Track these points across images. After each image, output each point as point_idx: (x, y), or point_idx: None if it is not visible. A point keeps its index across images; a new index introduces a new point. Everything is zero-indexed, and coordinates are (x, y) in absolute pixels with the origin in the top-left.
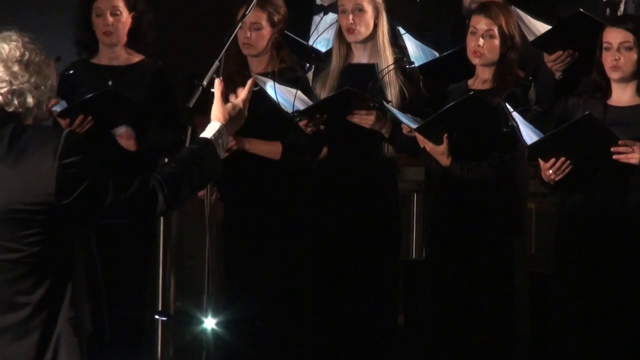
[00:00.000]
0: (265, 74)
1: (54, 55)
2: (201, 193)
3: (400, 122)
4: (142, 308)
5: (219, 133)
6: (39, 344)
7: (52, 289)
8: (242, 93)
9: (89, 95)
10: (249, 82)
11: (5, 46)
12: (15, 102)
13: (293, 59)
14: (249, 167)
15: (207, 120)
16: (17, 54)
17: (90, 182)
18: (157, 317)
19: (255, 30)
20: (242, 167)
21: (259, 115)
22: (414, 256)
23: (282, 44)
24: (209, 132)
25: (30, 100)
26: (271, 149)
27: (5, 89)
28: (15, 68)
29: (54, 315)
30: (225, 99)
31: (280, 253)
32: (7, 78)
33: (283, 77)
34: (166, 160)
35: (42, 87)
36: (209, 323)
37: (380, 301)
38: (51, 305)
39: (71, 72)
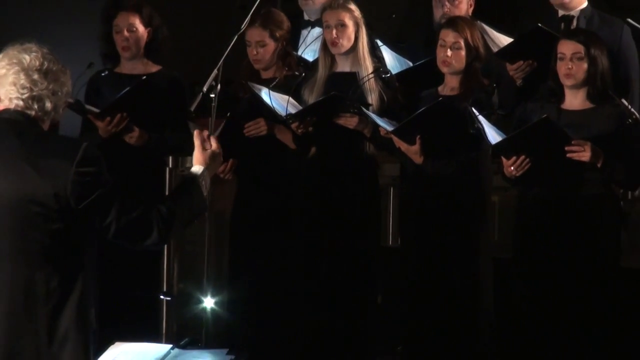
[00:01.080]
0: (272, 80)
1: (87, 61)
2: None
3: (378, 125)
4: (151, 289)
5: (202, 176)
6: (48, 332)
7: (62, 282)
8: (214, 142)
9: (123, 92)
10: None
11: (27, 56)
12: (35, 106)
13: (298, 66)
14: (260, 154)
15: (206, 122)
16: (37, 63)
17: (98, 196)
18: (162, 297)
19: (261, 47)
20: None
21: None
22: (390, 242)
23: (288, 52)
24: (193, 173)
25: (48, 105)
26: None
27: (26, 95)
28: (35, 76)
29: (62, 308)
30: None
31: (277, 238)
32: (28, 85)
33: (288, 82)
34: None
35: (59, 93)
36: (208, 302)
37: (361, 282)
38: (61, 298)
39: (102, 74)
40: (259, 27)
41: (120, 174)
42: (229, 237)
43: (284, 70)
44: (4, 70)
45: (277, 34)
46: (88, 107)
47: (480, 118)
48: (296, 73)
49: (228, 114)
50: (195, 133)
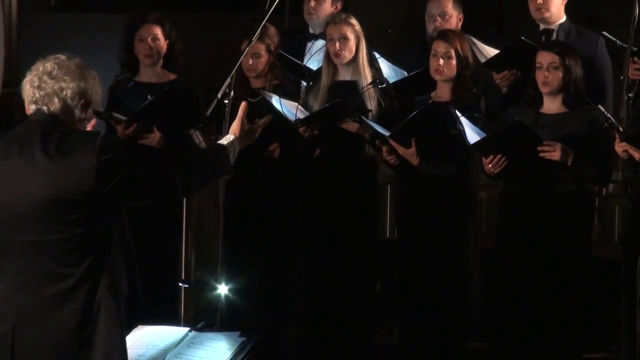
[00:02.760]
0: (262, 89)
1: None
2: None
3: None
4: (170, 277)
5: (232, 143)
6: (83, 308)
7: (93, 262)
8: (261, 122)
9: (147, 102)
10: (264, 119)
11: (46, 64)
12: (46, 101)
13: (285, 77)
14: (257, 155)
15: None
16: (49, 68)
17: (123, 174)
18: (180, 284)
19: (256, 58)
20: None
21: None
22: (387, 235)
23: (276, 64)
24: (224, 140)
25: (56, 100)
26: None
27: (37, 95)
28: (44, 77)
29: (95, 284)
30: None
31: (279, 233)
32: (36, 84)
33: (277, 92)
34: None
35: (66, 91)
36: (222, 290)
37: (361, 270)
38: (93, 276)
39: (129, 85)
40: (256, 40)
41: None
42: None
43: (273, 80)
44: (27, 77)
45: (272, 47)
46: (115, 115)
47: (462, 119)
48: (285, 83)
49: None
50: (243, 104)
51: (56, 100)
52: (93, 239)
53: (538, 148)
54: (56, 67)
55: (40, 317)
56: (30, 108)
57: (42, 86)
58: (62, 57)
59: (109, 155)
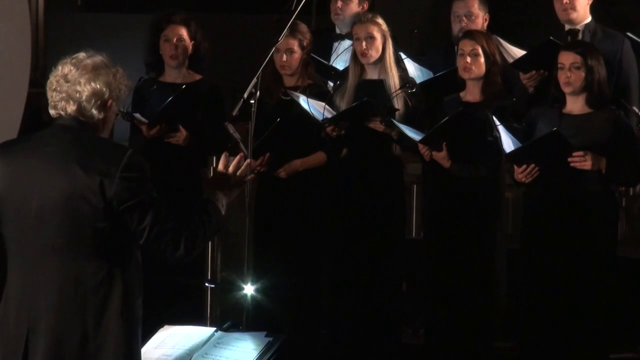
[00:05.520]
0: (295, 88)
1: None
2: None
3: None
4: (197, 277)
5: (215, 197)
6: (91, 321)
7: (107, 276)
8: (232, 166)
9: (166, 102)
10: (237, 159)
11: (66, 66)
12: (61, 105)
13: (318, 76)
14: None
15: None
16: (66, 70)
17: (137, 202)
18: (206, 284)
19: (290, 54)
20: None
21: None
22: (413, 235)
23: (309, 62)
24: (210, 196)
25: (71, 104)
26: (318, 160)
27: (57, 98)
28: (61, 81)
29: (106, 299)
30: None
31: (306, 233)
32: (54, 87)
33: (312, 92)
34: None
35: (80, 94)
36: (249, 290)
37: (388, 270)
38: (105, 291)
39: (151, 88)
40: (289, 36)
41: (164, 174)
42: (255, 229)
43: (306, 79)
44: (50, 80)
45: (304, 43)
46: (137, 117)
47: (500, 127)
48: (318, 83)
49: (278, 120)
50: (222, 156)
51: (71, 103)
52: (107, 251)
53: (569, 159)
54: (73, 69)
55: (54, 323)
56: (51, 112)
57: (58, 89)
58: (81, 56)
59: (132, 174)
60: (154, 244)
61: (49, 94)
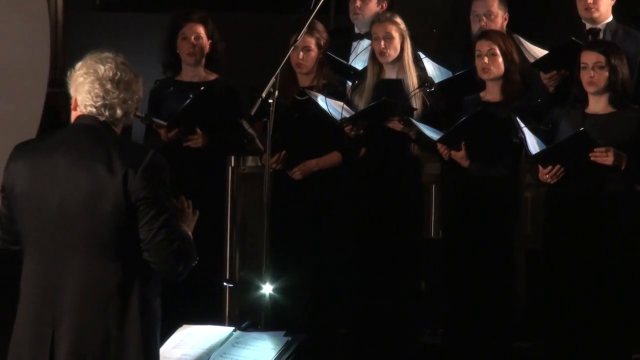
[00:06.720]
0: (311, 88)
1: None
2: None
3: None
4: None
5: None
6: (117, 322)
7: (130, 276)
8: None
9: (184, 105)
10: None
11: (102, 67)
12: (107, 113)
13: (333, 76)
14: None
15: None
16: (111, 73)
17: (155, 200)
18: (225, 284)
19: (306, 52)
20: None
21: (309, 139)
22: (432, 235)
23: (325, 62)
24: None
25: (119, 112)
26: (333, 160)
27: (99, 103)
28: (108, 86)
29: (127, 299)
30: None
31: (324, 232)
32: (101, 94)
33: (327, 92)
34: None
35: (129, 102)
36: (267, 289)
37: (406, 270)
38: (129, 290)
39: (163, 79)
40: (306, 34)
41: (183, 174)
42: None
43: (321, 79)
44: (81, 79)
45: (321, 42)
46: (155, 120)
47: (524, 129)
48: (333, 83)
49: (295, 115)
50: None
51: (119, 110)
52: (128, 251)
53: (590, 154)
54: (119, 72)
55: (77, 323)
56: (83, 110)
57: (104, 96)
58: (119, 59)
59: (153, 174)
60: (157, 248)
61: (88, 97)
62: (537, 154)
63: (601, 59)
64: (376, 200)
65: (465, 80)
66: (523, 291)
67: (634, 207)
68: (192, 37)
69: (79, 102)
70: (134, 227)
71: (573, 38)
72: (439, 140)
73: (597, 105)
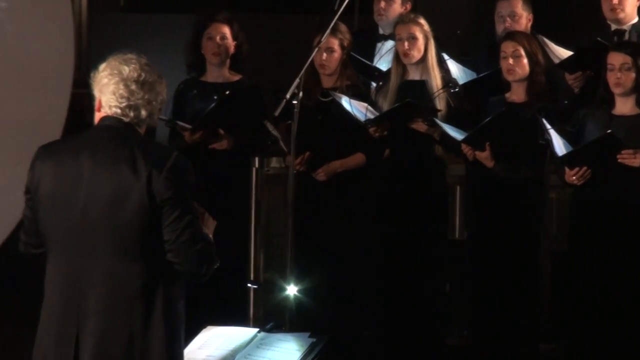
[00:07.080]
0: (334, 89)
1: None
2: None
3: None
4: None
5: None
6: (141, 323)
7: (155, 276)
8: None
9: (209, 109)
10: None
11: (126, 67)
12: (132, 114)
13: (356, 77)
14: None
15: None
16: (135, 74)
17: (179, 200)
18: (249, 285)
19: (330, 53)
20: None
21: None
22: (457, 236)
23: (348, 63)
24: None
25: (143, 113)
26: (357, 161)
27: (124, 104)
28: (133, 87)
29: (154, 300)
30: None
31: (349, 234)
32: (126, 95)
33: (350, 93)
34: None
35: (154, 102)
36: (291, 290)
37: (430, 272)
38: (154, 291)
39: (187, 79)
40: (330, 35)
41: (208, 175)
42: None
43: (345, 80)
44: (105, 80)
45: (345, 43)
46: (179, 123)
47: (551, 130)
48: (357, 84)
49: (319, 117)
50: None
51: (143, 111)
52: (153, 253)
53: (618, 156)
54: (143, 73)
55: (102, 324)
56: (108, 111)
57: (129, 97)
58: (143, 60)
59: (178, 175)
60: (181, 249)
61: (112, 97)
62: (564, 156)
63: (628, 60)
64: (400, 202)
65: (490, 81)
66: (548, 293)
67: None
68: (218, 37)
69: (103, 103)
70: (158, 228)
71: (598, 39)
72: (464, 141)
73: (624, 106)
